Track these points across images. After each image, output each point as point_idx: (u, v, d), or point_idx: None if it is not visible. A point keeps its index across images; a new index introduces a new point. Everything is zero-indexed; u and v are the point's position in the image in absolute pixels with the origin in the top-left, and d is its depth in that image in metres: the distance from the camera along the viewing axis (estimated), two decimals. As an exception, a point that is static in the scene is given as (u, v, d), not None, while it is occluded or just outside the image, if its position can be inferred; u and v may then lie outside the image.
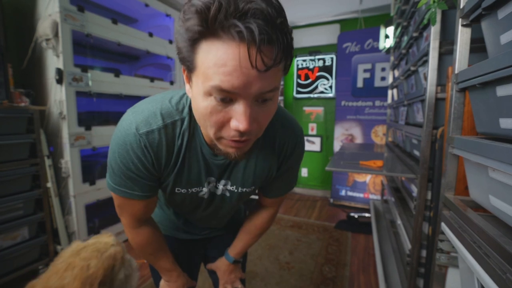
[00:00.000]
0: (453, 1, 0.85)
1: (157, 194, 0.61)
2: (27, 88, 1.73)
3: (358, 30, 3.01)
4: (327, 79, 3.30)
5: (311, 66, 3.35)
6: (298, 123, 0.63)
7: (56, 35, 1.67)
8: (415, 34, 1.29)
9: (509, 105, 0.50)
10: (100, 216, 2.09)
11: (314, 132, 3.51)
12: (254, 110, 0.40)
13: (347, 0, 2.79)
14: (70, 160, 1.78)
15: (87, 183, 1.91)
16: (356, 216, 2.66)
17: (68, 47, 1.71)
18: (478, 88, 0.61)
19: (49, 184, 1.75)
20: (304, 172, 3.61)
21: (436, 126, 1.07)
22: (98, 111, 2.19)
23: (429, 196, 1.11)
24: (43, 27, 1.65)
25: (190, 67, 0.40)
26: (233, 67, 0.35)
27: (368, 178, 3.01)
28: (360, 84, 2.99)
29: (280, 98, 3.54)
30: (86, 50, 1.99)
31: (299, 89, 3.48)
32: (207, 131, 0.44)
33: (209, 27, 0.35)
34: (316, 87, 3.37)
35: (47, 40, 1.68)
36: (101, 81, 1.95)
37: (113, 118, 2.26)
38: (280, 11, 0.36)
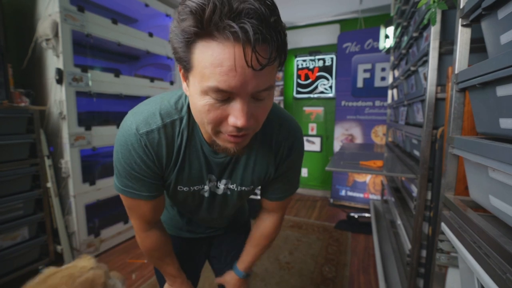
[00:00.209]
0: (453, 1, 0.85)
1: (163, 194, 0.61)
2: (27, 88, 1.73)
3: (358, 30, 3.01)
4: (327, 79, 3.30)
5: (311, 66, 3.35)
6: (297, 124, 0.63)
7: (56, 35, 1.67)
8: (415, 34, 1.29)
9: (509, 105, 0.50)
10: (100, 216, 2.09)
11: (314, 132, 3.51)
12: (251, 106, 0.41)
13: (347, 0, 2.79)
14: (70, 160, 1.78)
15: (87, 183, 1.91)
16: (356, 216, 2.66)
17: (68, 47, 1.72)
18: (478, 88, 0.61)
19: (49, 184, 1.75)
20: (304, 172, 3.61)
21: (436, 126, 1.07)
22: (98, 111, 2.19)
23: (429, 196, 1.11)
24: (43, 27, 1.65)
25: (186, 67, 0.41)
26: (229, 67, 0.36)
27: (368, 178, 3.01)
28: (360, 84, 2.99)
29: (280, 98, 3.54)
30: (86, 50, 1.99)
31: (299, 89, 3.48)
32: (205, 128, 0.45)
33: (204, 28, 0.35)
34: (316, 87, 3.37)
35: (47, 40, 1.68)
36: (101, 81, 1.95)
37: (113, 118, 2.26)
38: (273, 10, 0.36)
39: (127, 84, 2.15)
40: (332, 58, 3.23)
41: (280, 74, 3.49)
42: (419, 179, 1.12)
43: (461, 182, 0.77)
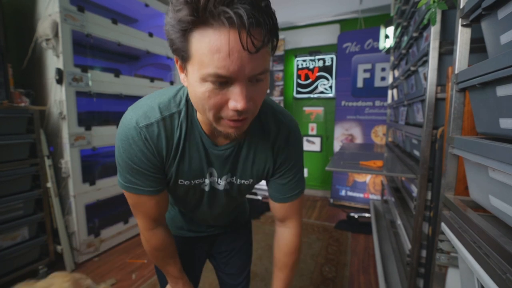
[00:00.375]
0: (453, 1, 0.85)
1: (165, 189, 0.62)
2: (27, 88, 1.73)
3: (358, 30, 3.01)
4: (327, 79, 3.30)
5: (311, 66, 3.35)
6: (292, 117, 0.65)
7: (56, 35, 1.67)
8: (415, 34, 1.29)
9: (509, 105, 0.50)
10: (100, 216, 2.09)
11: (314, 132, 3.51)
12: (250, 89, 0.43)
13: (347, 0, 2.80)
14: (70, 160, 1.78)
15: (87, 183, 1.91)
16: (356, 216, 2.66)
17: (68, 47, 1.72)
18: (478, 88, 0.61)
19: (49, 184, 1.75)
20: (304, 172, 3.60)
21: (436, 126, 1.07)
22: (98, 111, 2.19)
23: (429, 196, 1.11)
24: (43, 27, 1.65)
25: (184, 57, 0.43)
26: (227, 52, 0.38)
27: (368, 178, 3.01)
28: (360, 84, 2.99)
29: (280, 98, 3.54)
30: (86, 50, 1.99)
31: (299, 89, 3.48)
32: (206, 114, 0.46)
33: (200, 16, 0.37)
34: (316, 87, 3.37)
35: (47, 40, 1.68)
36: (101, 81, 1.95)
37: (113, 118, 2.26)
38: None
39: (127, 84, 2.15)
40: (332, 58, 3.23)
41: (280, 74, 3.49)
42: (419, 179, 1.12)
43: (461, 182, 0.77)
